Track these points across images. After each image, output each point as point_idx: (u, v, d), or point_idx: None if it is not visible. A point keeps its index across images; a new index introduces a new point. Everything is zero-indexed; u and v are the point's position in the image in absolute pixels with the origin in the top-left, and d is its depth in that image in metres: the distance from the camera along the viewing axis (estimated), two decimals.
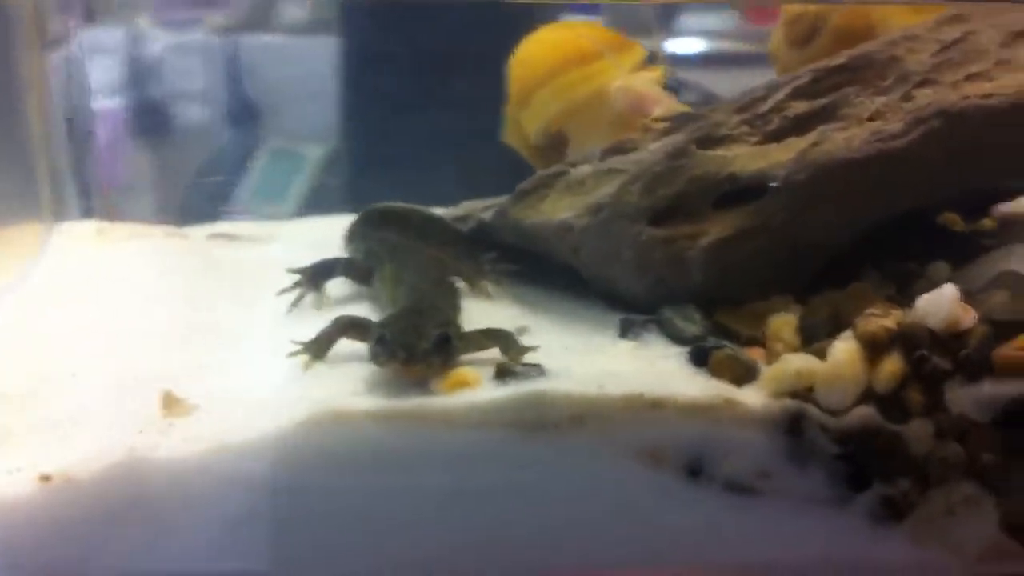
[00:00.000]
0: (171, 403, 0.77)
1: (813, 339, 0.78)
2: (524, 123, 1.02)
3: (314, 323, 0.85)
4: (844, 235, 0.81)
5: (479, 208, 0.97)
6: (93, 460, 0.72)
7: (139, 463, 0.72)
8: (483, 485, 0.74)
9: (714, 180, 0.79)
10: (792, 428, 0.75)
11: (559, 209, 0.85)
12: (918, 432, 0.76)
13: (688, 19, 1.38)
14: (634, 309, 0.84)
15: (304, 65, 1.34)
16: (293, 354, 0.79)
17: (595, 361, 0.78)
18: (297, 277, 0.92)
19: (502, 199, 0.98)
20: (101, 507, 0.72)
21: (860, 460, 0.76)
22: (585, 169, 0.87)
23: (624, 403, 0.74)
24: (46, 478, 0.72)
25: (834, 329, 0.78)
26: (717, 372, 0.77)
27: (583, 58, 0.99)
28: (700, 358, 0.78)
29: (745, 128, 0.80)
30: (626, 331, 0.81)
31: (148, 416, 0.77)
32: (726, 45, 1.38)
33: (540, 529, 0.76)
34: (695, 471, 0.76)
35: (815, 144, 0.76)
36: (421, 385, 0.75)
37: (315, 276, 0.92)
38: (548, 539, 0.76)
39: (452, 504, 0.74)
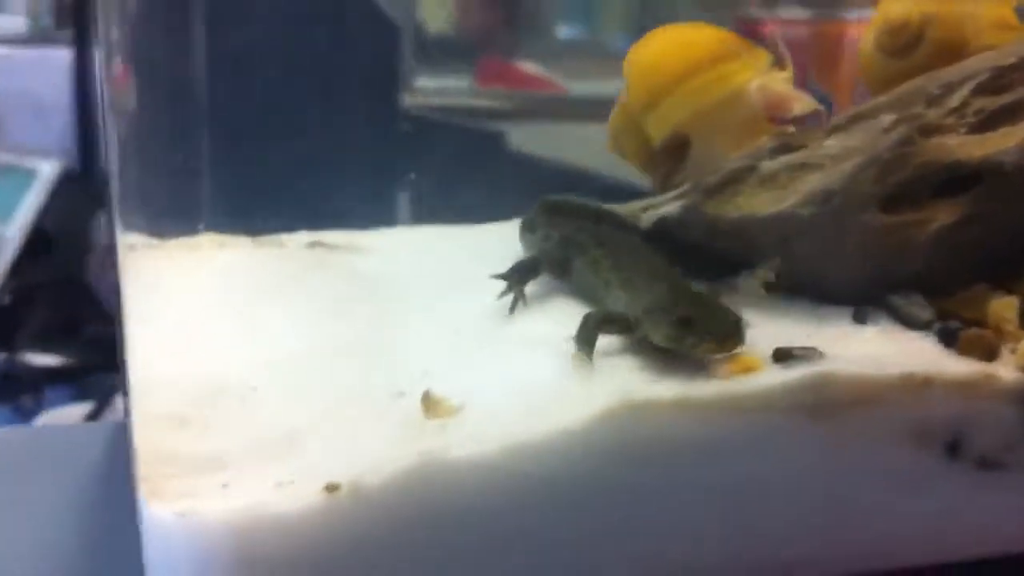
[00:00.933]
0: (433, 404, 0.71)
1: None
2: (650, 128, 1.01)
3: (517, 321, 0.82)
4: None
5: (639, 207, 0.94)
6: (381, 466, 0.65)
7: (436, 465, 0.65)
8: (773, 471, 0.72)
9: (940, 167, 0.82)
10: None
11: (761, 203, 0.85)
12: None
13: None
14: (840, 301, 0.84)
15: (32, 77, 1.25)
16: (576, 357, 0.75)
17: (850, 345, 0.78)
18: (503, 284, 0.88)
19: (644, 200, 0.98)
20: (400, 515, 0.64)
21: None
22: (772, 165, 0.87)
23: (901, 382, 0.74)
24: (334, 488, 0.64)
25: None
26: (967, 351, 0.78)
27: (715, 60, 1.00)
28: (949, 338, 0.79)
29: (951, 119, 0.83)
30: (863, 318, 0.81)
31: (410, 420, 0.70)
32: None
33: (815, 514, 0.75)
34: (954, 449, 0.77)
35: None
36: (704, 370, 0.73)
37: (522, 277, 0.88)
38: (829, 525, 0.75)
39: (750, 491, 0.72)
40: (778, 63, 1.02)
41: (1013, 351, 0.80)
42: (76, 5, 2.74)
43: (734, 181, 0.88)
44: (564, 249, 0.91)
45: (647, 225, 0.90)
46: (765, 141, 0.95)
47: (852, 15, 1.23)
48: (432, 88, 1.39)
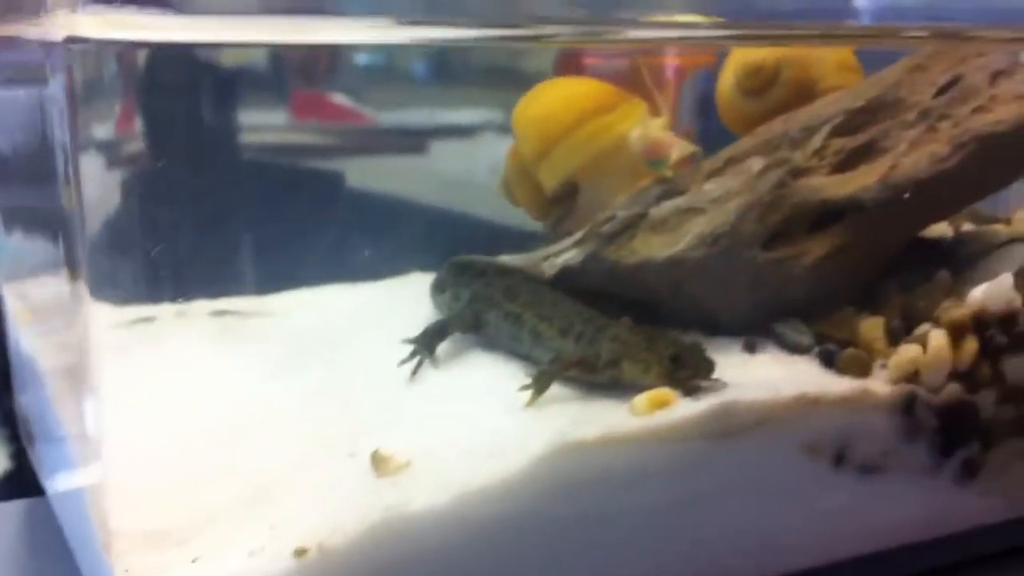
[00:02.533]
0: (382, 462, 0.76)
1: (895, 337, 0.92)
2: (542, 176, 1.09)
3: (444, 373, 0.88)
4: (900, 248, 0.97)
5: (539, 257, 1.01)
6: (344, 527, 0.69)
7: (394, 521, 0.70)
8: (686, 492, 0.80)
9: (811, 206, 0.91)
10: (907, 408, 0.89)
11: (655, 247, 0.93)
12: (986, 400, 0.93)
13: None
14: (730, 333, 0.93)
15: None
16: (525, 387, 0.82)
17: (746, 372, 0.87)
18: (412, 347, 0.92)
19: (539, 251, 1.04)
20: (366, 572, 0.69)
21: (950, 428, 0.91)
22: (661, 211, 0.96)
23: (794, 402, 0.83)
24: (302, 552, 0.68)
25: (909, 326, 0.93)
26: (845, 369, 0.88)
27: (598, 111, 1.08)
28: (829, 360, 0.89)
29: (815, 161, 0.93)
30: (752, 347, 0.91)
31: (364, 479, 0.74)
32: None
33: (732, 525, 0.83)
34: (840, 458, 0.87)
35: (893, 167, 0.91)
36: (624, 409, 0.80)
37: (430, 340, 0.93)
38: (739, 535, 0.83)
39: (666, 513, 0.80)
40: (653, 110, 1.12)
41: (884, 366, 0.91)
42: None
43: (629, 227, 0.96)
44: (475, 305, 0.97)
45: (551, 273, 0.97)
46: (649, 185, 1.03)
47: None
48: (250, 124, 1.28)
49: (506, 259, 1.05)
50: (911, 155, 0.92)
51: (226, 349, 0.95)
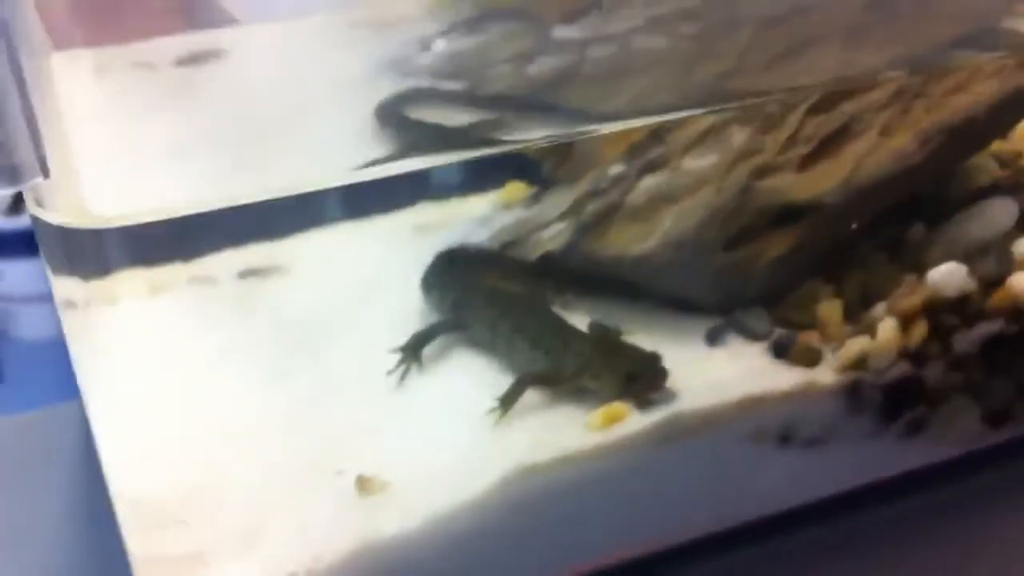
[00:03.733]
0: (365, 483, 0.87)
1: (853, 314, 0.99)
2: None
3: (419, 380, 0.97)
4: (863, 230, 1.01)
5: (526, 231, 1.07)
6: (328, 553, 0.83)
7: (372, 545, 0.84)
8: (637, 487, 0.92)
9: (773, 208, 0.96)
10: (852, 391, 0.97)
11: (629, 239, 0.99)
12: (934, 372, 1.00)
13: None
14: (703, 315, 1.00)
15: None
16: (492, 410, 0.90)
17: (702, 371, 0.95)
18: (399, 355, 0.98)
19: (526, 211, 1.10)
20: None
21: (895, 401, 0.99)
22: (638, 198, 1.00)
23: (739, 405, 0.93)
24: None
25: (867, 303, 0.99)
26: (795, 361, 0.96)
27: None
28: (780, 351, 0.97)
29: (783, 156, 0.96)
30: (713, 340, 0.98)
31: (348, 500, 0.87)
32: None
33: (681, 499, 0.95)
34: (785, 439, 0.97)
35: (855, 170, 0.94)
36: (579, 426, 0.91)
37: (416, 346, 0.99)
38: (688, 504, 0.96)
39: (613, 509, 0.92)
40: None
41: (834, 351, 0.98)
42: None
43: (606, 217, 1.01)
44: (459, 309, 1.02)
45: (534, 254, 1.04)
46: (637, 144, 1.07)
47: None
48: None
49: (498, 221, 1.12)
50: (877, 152, 0.94)
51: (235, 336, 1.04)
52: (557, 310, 1.00)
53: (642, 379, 0.91)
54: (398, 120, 1.08)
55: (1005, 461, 1.08)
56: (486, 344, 1.00)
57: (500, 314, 0.99)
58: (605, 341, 0.95)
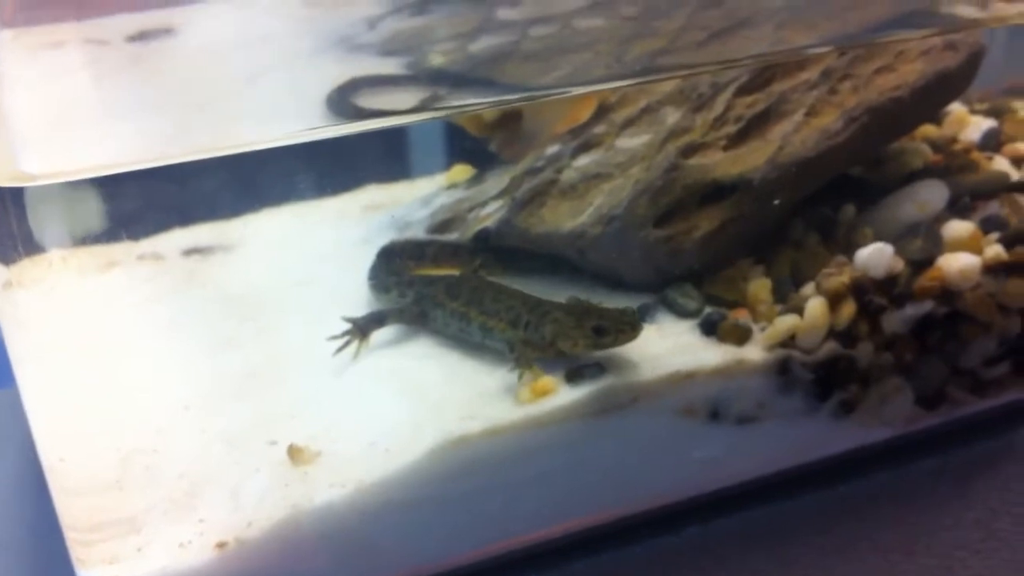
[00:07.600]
0: (297, 453, 0.89)
1: (783, 293, 1.00)
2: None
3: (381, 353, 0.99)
4: (790, 208, 1.02)
5: (464, 208, 1.09)
6: (259, 519, 0.85)
7: (301, 513, 0.85)
8: (568, 460, 0.94)
9: (701, 185, 0.97)
10: (782, 369, 0.98)
11: (562, 216, 1.00)
12: (864, 351, 1.01)
13: None
14: (636, 291, 1.02)
15: None
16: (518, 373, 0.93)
17: (633, 346, 0.96)
18: (348, 325, 1.00)
19: (467, 191, 1.12)
20: (278, 562, 0.85)
21: (826, 379, 1.01)
22: (572, 175, 1.02)
23: (668, 380, 0.94)
24: (222, 545, 0.84)
25: (797, 282, 1.01)
26: (724, 338, 0.97)
27: None
28: (709, 328, 0.98)
29: (712, 135, 0.98)
30: (644, 315, 0.99)
31: (281, 469, 0.89)
32: None
33: (613, 474, 0.97)
34: (715, 414, 0.98)
35: (781, 148, 0.96)
36: (511, 399, 0.92)
37: (366, 326, 1.00)
38: (621, 479, 0.97)
39: (546, 480, 0.93)
40: None
41: (763, 329, 1.00)
42: None
43: (540, 194, 1.03)
44: (420, 304, 1.03)
45: (473, 231, 1.06)
46: (579, 125, 1.08)
47: None
48: None
49: (439, 200, 1.13)
50: (802, 131, 0.96)
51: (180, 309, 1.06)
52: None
53: (609, 332, 0.92)
54: (347, 109, 1.10)
55: (942, 446, 1.10)
56: (456, 331, 1.01)
57: (467, 304, 1.00)
58: (579, 306, 0.97)
